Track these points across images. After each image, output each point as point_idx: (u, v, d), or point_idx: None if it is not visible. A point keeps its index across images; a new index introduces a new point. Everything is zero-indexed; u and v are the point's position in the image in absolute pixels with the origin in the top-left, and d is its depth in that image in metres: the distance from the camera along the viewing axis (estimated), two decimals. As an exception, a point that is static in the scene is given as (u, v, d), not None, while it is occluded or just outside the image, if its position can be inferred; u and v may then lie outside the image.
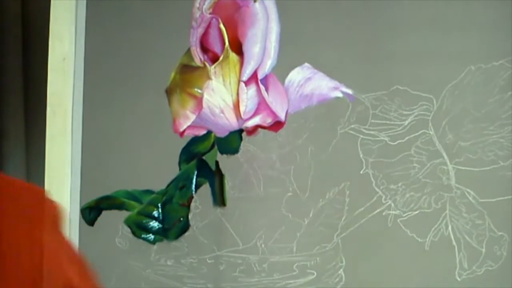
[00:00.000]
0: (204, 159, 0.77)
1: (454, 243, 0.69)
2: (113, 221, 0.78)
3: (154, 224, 0.78)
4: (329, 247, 0.71)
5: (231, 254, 0.76)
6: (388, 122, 0.71)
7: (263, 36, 0.74)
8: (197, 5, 0.78)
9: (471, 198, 0.68)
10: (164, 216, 0.78)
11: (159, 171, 0.79)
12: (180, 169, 0.78)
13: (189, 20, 0.78)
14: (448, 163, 0.69)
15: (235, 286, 0.75)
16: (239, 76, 0.74)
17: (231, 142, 0.76)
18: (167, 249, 0.76)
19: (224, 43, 0.75)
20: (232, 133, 0.76)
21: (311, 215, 0.73)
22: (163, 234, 0.78)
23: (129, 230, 0.78)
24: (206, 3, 0.77)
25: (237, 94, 0.74)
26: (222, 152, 0.77)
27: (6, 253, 0.39)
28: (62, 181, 0.81)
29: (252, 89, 0.74)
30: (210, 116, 0.76)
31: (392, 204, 0.70)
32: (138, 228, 0.78)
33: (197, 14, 0.77)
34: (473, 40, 0.69)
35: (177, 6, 0.79)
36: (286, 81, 0.75)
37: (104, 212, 0.79)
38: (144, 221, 0.78)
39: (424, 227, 0.69)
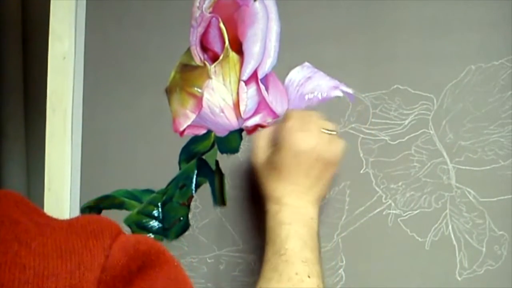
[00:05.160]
0: (204, 159, 0.77)
1: (454, 242, 0.68)
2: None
3: (154, 223, 0.78)
4: (329, 247, 0.71)
5: (231, 254, 0.76)
6: (388, 121, 0.71)
7: (263, 36, 0.74)
8: (197, 4, 0.78)
9: (471, 197, 0.68)
10: (164, 216, 0.78)
11: (159, 170, 0.78)
12: (180, 169, 0.78)
13: (189, 20, 0.78)
14: (449, 162, 0.69)
15: (235, 286, 0.75)
16: (239, 76, 0.74)
17: (231, 141, 0.76)
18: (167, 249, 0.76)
19: (224, 42, 0.75)
20: (232, 132, 0.76)
21: (311, 214, 0.72)
22: (163, 233, 0.77)
23: (129, 229, 0.78)
24: (206, 2, 0.77)
25: (237, 93, 0.74)
26: (222, 152, 0.77)
27: None
28: (62, 180, 0.81)
29: (252, 88, 0.74)
30: (210, 116, 0.76)
31: (393, 204, 0.70)
32: (138, 227, 0.78)
33: (197, 13, 0.77)
34: (473, 39, 0.69)
35: (177, 5, 0.79)
36: (286, 80, 0.75)
37: (104, 212, 0.79)
38: (144, 220, 0.78)
39: (425, 226, 0.69)
